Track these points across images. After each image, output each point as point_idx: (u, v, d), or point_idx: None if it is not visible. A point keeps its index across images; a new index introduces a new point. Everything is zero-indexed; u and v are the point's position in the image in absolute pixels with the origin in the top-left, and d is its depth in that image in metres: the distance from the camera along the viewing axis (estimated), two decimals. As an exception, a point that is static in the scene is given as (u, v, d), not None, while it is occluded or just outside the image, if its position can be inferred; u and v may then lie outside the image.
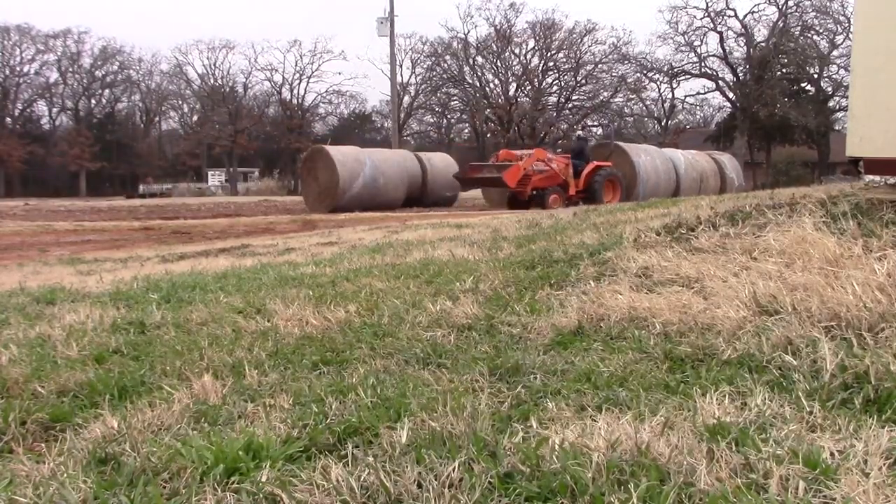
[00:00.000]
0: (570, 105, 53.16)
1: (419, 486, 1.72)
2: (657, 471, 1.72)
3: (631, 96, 52.55)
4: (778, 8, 45.14)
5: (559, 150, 23.06)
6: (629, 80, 50.71)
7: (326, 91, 65.02)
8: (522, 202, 19.31)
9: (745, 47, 46.01)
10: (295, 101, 58.77)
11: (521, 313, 3.49)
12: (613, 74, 51.35)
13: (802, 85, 46.96)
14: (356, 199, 23.06)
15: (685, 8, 46.23)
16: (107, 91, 62.33)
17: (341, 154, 23.82)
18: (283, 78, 59.10)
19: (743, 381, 2.35)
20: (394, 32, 40.21)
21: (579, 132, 23.65)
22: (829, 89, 46.14)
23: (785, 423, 1.99)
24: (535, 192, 19.37)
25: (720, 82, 47.45)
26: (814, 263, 3.51)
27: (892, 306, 2.84)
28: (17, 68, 58.29)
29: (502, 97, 52.02)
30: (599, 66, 51.64)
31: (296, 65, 63.25)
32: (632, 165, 22.14)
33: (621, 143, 24.00)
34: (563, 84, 53.03)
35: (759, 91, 43.67)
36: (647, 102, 54.41)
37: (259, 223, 15.94)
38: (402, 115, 53.55)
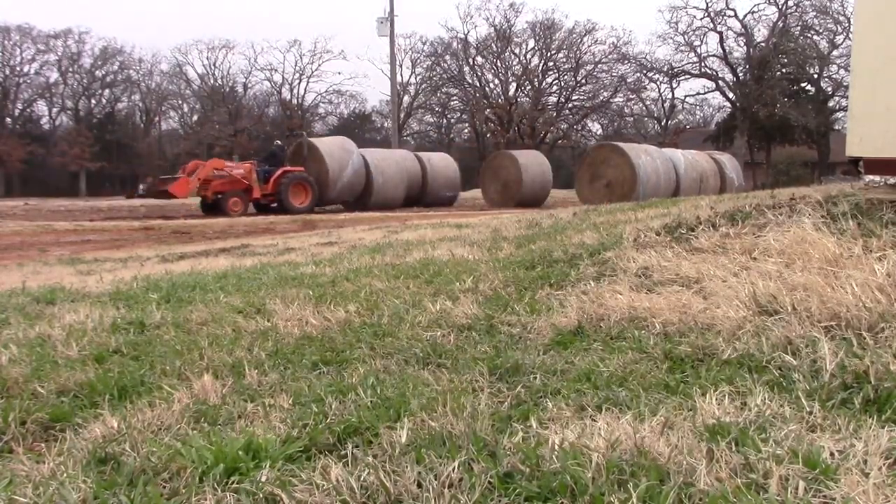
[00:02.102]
0: (570, 105, 53.15)
1: (419, 485, 1.72)
2: (657, 471, 1.72)
3: (631, 96, 52.57)
4: (778, 8, 45.15)
5: (258, 157, 24.48)
6: (629, 80, 50.74)
7: (326, 91, 65.10)
8: (210, 206, 20.92)
9: (745, 47, 46.02)
10: (295, 101, 58.77)
11: (521, 313, 3.49)
12: (613, 74, 51.37)
13: (802, 85, 46.94)
14: (347, 188, 23.45)
15: (685, 8, 46.27)
16: (107, 91, 62.29)
17: (326, 145, 23.91)
18: (283, 78, 59.15)
19: (743, 381, 2.35)
20: (394, 32, 40.22)
21: (277, 141, 25.70)
22: (829, 89, 46.13)
23: (785, 423, 1.99)
24: (218, 196, 20.80)
25: (720, 82, 47.45)
26: (814, 263, 3.51)
27: (892, 306, 2.84)
28: (17, 68, 58.28)
29: (502, 97, 52.00)
30: (599, 66, 51.66)
31: (296, 65, 63.26)
32: (632, 167, 22.13)
33: (621, 144, 23.95)
34: (563, 84, 53.04)
35: (759, 91, 43.67)
36: (647, 102, 54.45)
37: (259, 223, 15.94)
38: (402, 115, 53.54)
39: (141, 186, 28.22)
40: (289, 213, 20.84)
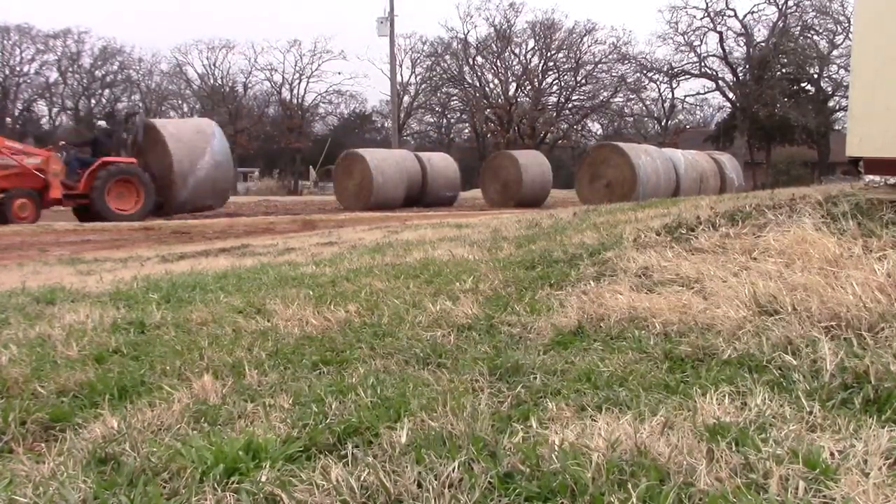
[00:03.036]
0: (570, 105, 53.17)
1: (419, 486, 1.72)
2: (657, 471, 1.72)
3: (631, 96, 52.58)
4: (778, 8, 45.18)
5: (62, 142, 17.70)
6: (629, 80, 50.75)
7: (326, 91, 64.89)
8: None
9: (745, 47, 46.05)
10: (295, 100, 58.76)
11: (521, 313, 3.49)
12: (613, 74, 51.38)
13: (802, 85, 46.98)
14: (204, 187, 17.41)
15: (685, 8, 46.31)
16: (107, 91, 62.31)
17: (174, 127, 18.24)
18: (283, 78, 59.10)
19: (743, 381, 2.35)
20: (394, 32, 40.25)
21: (101, 122, 19.01)
22: (829, 89, 46.15)
23: (785, 423, 1.99)
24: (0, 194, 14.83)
25: (720, 82, 47.48)
26: (814, 263, 3.51)
27: (892, 306, 2.84)
28: (17, 68, 58.24)
29: (502, 97, 52.01)
30: (599, 66, 51.67)
31: (296, 65, 63.08)
32: (632, 167, 22.13)
33: (620, 144, 23.94)
34: (563, 84, 53.05)
35: (759, 91, 43.69)
36: (647, 102, 54.45)
37: (259, 223, 15.94)
38: (402, 115, 53.54)
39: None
40: (106, 220, 15.35)
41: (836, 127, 45.16)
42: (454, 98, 56.07)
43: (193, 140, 17.49)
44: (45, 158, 15.65)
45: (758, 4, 58.54)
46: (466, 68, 53.31)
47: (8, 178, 14.90)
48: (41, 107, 61.47)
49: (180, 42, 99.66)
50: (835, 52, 44.86)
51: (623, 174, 21.86)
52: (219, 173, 17.84)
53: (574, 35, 51.48)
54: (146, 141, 17.45)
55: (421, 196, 26.18)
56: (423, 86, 57.15)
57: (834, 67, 45.22)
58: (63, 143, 17.74)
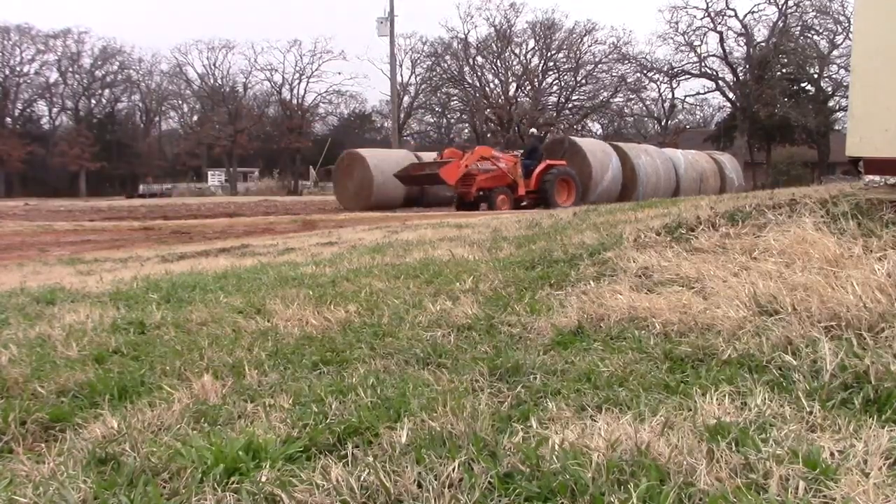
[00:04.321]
0: (570, 105, 53.18)
1: (419, 486, 1.72)
2: (657, 471, 1.72)
3: (631, 96, 52.59)
4: (778, 8, 45.19)
5: (506, 149, 22.31)
6: (629, 80, 50.77)
7: (326, 91, 65.17)
8: (469, 204, 18.87)
9: (745, 47, 46.07)
10: (295, 101, 58.81)
11: (521, 313, 3.49)
12: (613, 74, 51.43)
13: (802, 85, 46.99)
14: (604, 193, 21.55)
15: (685, 8, 46.36)
16: (107, 91, 62.38)
17: (590, 145, 22.67)
18: (283, 78, 59.27)
19: (743, 381, 2.35)
20: (394, 32, 40.24)
21: (533, 130, 23.78)
22: (829, 89, 46.16)
23: (785, 423, 1.99)
24: (481, 193, 18.86)
25: (720, 82, 47.49)
26: (814, 263, 3.51)
27: (892, 306, 2.84)
28: (17, 68, 58.34)
29: (502, 97, 52.01)
30: (599, 66, 51.72)
31: (296, 65, 63.39)
32: (632, 167, 22.11)
33: (621, 144, 23.92)
34: (563, 84, 53.09)
35: (759, 91, 43.69)
36: (647, 102, 54.51)
37: (259, 223, 15.94)
38: (402, 115, 53.56)
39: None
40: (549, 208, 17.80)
41: (836, 127, 45.19)
42: (454, 98, 56.12)
43: (602, 158, 22.24)
44: (511, 164, 19.70)
45: (758, 4, 58.89)
46: (466, 68, 53.36)
47: (488, 179, 19.12)
48: (41, 107, 61.56)
49: (180, 42, 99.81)
50: (835, 52, 44.92)
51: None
52: (613, 185, 22.60)
53: (574, 35, 51.57)
54: (570, 153, 21.87)
55: (421, 196, 26.16)
56: (423, 86, 57.22)
57: (834, 67, 45.28)
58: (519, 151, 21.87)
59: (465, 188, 19.13)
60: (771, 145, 48.51)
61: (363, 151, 25.99)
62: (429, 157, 28.01)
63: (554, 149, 22.23)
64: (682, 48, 47.34)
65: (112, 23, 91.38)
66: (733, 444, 1.84)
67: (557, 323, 3.23)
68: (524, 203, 19.62)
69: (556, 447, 1.86)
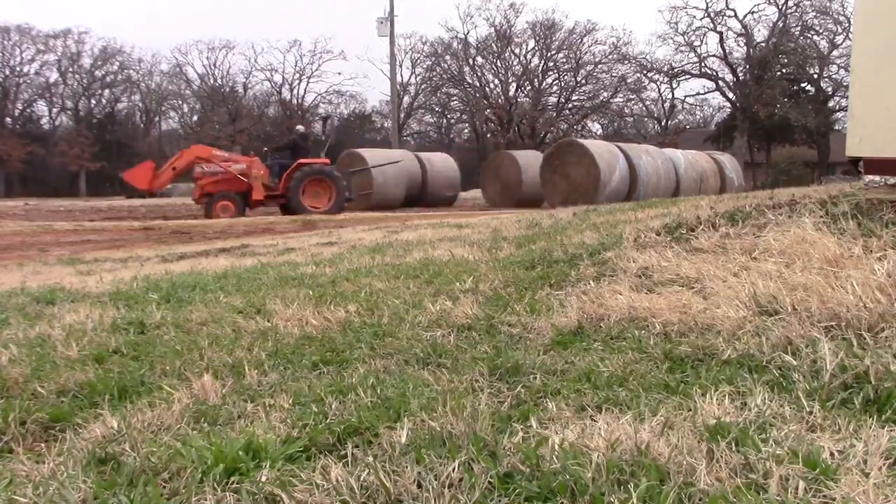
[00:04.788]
0: (570, 105, 53.15)
1: (419, 486, 1.72)
2: (657, 471, 1.72)
3: (631, 96, 52.58)
4: (778, 8, 45.15)
5: (265, 149, 19.83)
6: (629, 80, 50.74)
7: (326, 91, 65.08)
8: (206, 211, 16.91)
9: (745, 47, 46.01)
10: (295, 101, 58.78)
11: (521, 313, 3.49)
12: (613, 74, 51.36)
13: (802, 85, 46.95)
14: (613, 194, 20.45)
15: (685, 8, 46.29)
16: (107, 91, 62.32)
17: (597, 147, 21.88)
18: (283, 78, 59.17)
19: (743, 381, 2.35)
20: (394, 32, 40.22)
21: (299, 127, 20.68)
22: (829, 89, 46.13)
23: (785, 423, 1.99)
24: (208, 197, 16.99)
25: (720, 82, 47.45)
26: (814, 263, 3.51)
27: (892, 306, 2.84)
28: (17, 68, 58.29)
29: (502, 97, 51.99)
30: (599, 66, 51.65)
31: (296, 65, 63.30)
32: (633, 168, 22.10)
33: (621, 145, 23.90)
34: (563, 84, 53.03)
35: (759, 91, 43.67)
36: (647, 102, 54.47)
37: (259, 223, 15.93)
38: (402, 115, 53.56)
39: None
40: (296, 214, 16.95)
41: (836, 127, 45.16)
42: (454, 98, 56.07)
43: (609, 159, 21.69)
44: (247, 166, 17.59)
45: (758, 4, 58.88)
46: (466, 68, 53.30)
47: (213, 183, 17.03)
48: (41, 107, 61.53)
49: (180, 42, 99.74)
50: (835, 52, 44.86)
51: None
52: (622, 185, 21.82)
53: (574, 35, 51.51)
54: (572, 154, 21.04)
55: (421, 196, 26.18)
56: (423, 86, 57.19)
57: (834, 67, 45.22)
58: (266, 148, 19.62)
59: (193, 194, 17.55)
60: (771, 145, 48.50)
61: (363, 151, 26.00)
62: (429, 157, 28.07)
63: (561, 151, 22.15)
64: (682, 48, 47.33)
65: (112, 23, 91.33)
66: (733, 444, 1.84)
67: (557, 323, 3.23)
68: (265, 206, 18.00)
69: (556, 447, 1.86)
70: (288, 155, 18.36)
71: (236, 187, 17.28)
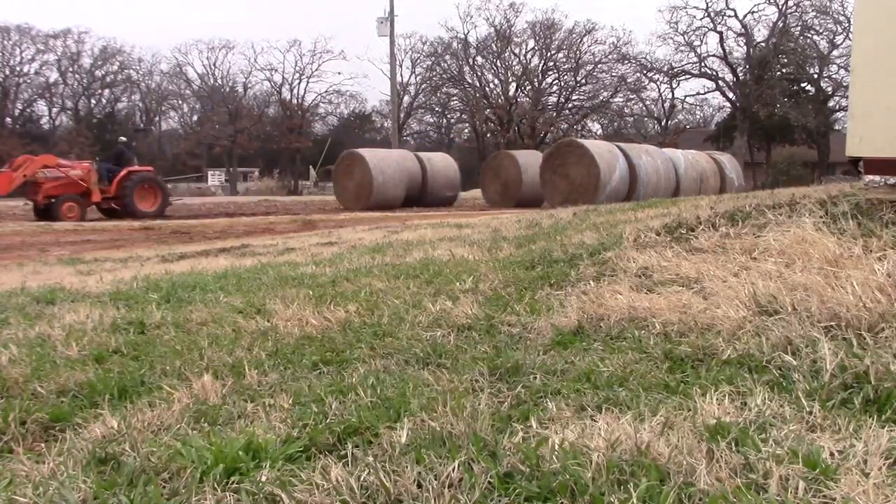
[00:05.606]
0: (570, 105, 53.15)
1: (419, 486, 1.72)
2: (657, 471, 1.72)
3: (631, 96, 52.57)
4: (778, 8, 45.13)
5: (96, 157, 22.45)
6: (629, 80, 50.73)
7: (326, 91, 65.15)
8: (44, 212, 18.77)
9: (745, 47, 46.00)
10: (295, 101, 58.77)
11: (521, 313, 3.49)
12: (613, 74, 51.36)
13: (802, 85, 46.92)
14: (612, 194, 20.22)
15: (685, 8, 46.26)
16: (107, 91, 62.29)
17: (597, 147, 21.81)
18: (283, 78, 59.12)
19: (743, 381, 2.35)
20: (394, 32, 40.23)
21: (122, 137, 23.60)
22: (829, 89, 46.09)
23: (785, 423, 1.99)
24: (52, 200, 18.69)
25: (720, 82, 47.44)
26: (814, 263, 3.51)
27: (892, 306, 2.84)
28: (17, 68, 58.22)
29: (502, 97, 51.99)
30: (599, 66, 51.64)
31: (296, 65, 63.32)
32: (633, 167, 22.08)
33: (621, 145, 23.89)
34: (563, 84, 53.02)
35: (759, 91, 43.66)
36: (647, 102, 54.45)
37: (259, 223, 15.94)
38: (401, 115, 53.55)
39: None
40: (135, 217, 18.63)
41: (836, 127, 45.14)
42: (454, 98, 56.09)
43: (609, 159, 21.54)
44: (85, 170, 19.27)
45: (758, 4, 58.84)
46: (466, 68, 53.31)
47: (57, 187, 18.78)
48: (41, 107, 61.49)
49: (180, 42, 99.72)
50: (835, 52, 44.83)
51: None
52: (622, 185, 21.52)
53: (574, 35, 51.49)
54: (572, 154, 21.24)
55: (421, 196, 26.17)
56: (423, 86, 57.19)
57: (834, 67, 45.18)
58: (97, 158, 21.63)
59: (34, 196, 19.11)
60: (771, 145, 48.48)
61: (363, 151, 26.00)
62: (429, 157, 28.07)
63: (561, 151, 22.13)
64: (682, 48, 47.31)
65: (112, 23, 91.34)
66: (733, 444, 1.84)
67: (557, 323, 3.23)
68: (107, 209, 19.87)
69: (556, 447, 1.86)
70: (113, 161, 20.37)
71: (77, 190, 19.13)
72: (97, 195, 19.27)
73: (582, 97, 53.04)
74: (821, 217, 4.34)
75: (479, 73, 53.47)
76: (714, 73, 47.44)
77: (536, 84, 52.10)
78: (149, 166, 21.50)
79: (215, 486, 1.77)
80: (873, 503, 1.57)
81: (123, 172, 19.66)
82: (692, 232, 4.76)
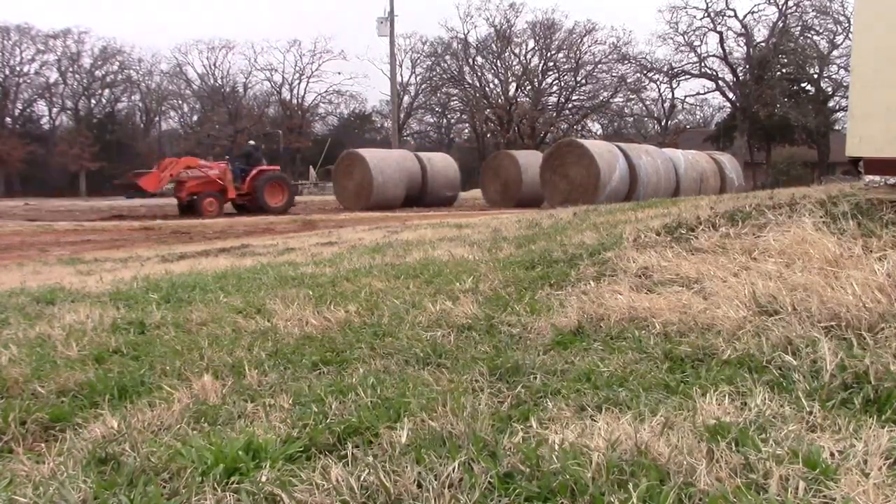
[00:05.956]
0: (570, 105, 53.16)
1: (419, 486, 1.72)
2: (657, 471, 1.72)
3: (631, 96, 52.57)
4: (778, 8, 45.12)
5: (227, 157, 24.27)
6: (629, 80, 50.73)
7: (326, 91, 65.05)
8: (187, 207, 20.76)
9: (744, 47, 45.99)
10: (295, 101, 58.78)
11: (521, 313, 3.49)
12: (613, 74, 51.36)
13: (802, 85, 46.90)
14: (612, 194, 20.36)
15: (685, 8, 46.23)
16: (107, 91, 62.27)
17: (596, 147, 21.97)
18: (283, 78, 59.17)
19: (743, 381, 2.35)
20: (394, 32, 40.23)
21: (251, 141, 26.07)
22: (829, 89, 46.08)
23: (785, 423, 1.99)
24: (194, 197, 20.60)
25: (720, 82, 47.43)
26: (814, 263, 3.51)
27: (892, 306, 2.84)
28: (17, 68, 58.23)
29: (502, 97, 51.99)
30: (599, 66, 51.65)
31: (296, 65, 63.36)
32: (633, 167, 22.08)
33: (621, 145, 23.87)
34: (563, 84, 53.02)
35: (759, 91, 43.65)
36: (647, 102, 54.46)
37: (259, 223, 15.94)
38: (402, 115, 53.56)
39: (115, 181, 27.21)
40: (266, 212, 20.68)
41: (836, 127, 45.12)
42: (454, 98, 56.10)
43: (609, 159, 21.62)
44: (221, 170, 21.21)
45: (758, 4, 58.83)
46: (466, 68, 53.31)
47: (198, 185, 20.71)
48: (41, 107, 61.47)
49: (180, 42, 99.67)
50: (835, 52, 44.81)
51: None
52: (622, 185, 21.60)
53: (574, 35, 51.50)
54: (572, 154, 21.43)
55: (421, 196, 26.18)
56: (423, 86, 57.21)
57: (834, 67, 45.16)
58: (228, 157, 23.55)
59: (179, 194, 20.89)
60: (771, 145, 48.47)
61: (363, 151, 26.00)
62: (429, 157, 28.07)
63: (561, 151, 22.16)
64: (682, 48, 47.29)
65: (112, 23, 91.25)
66: (733, 444, 1.84)
67: (557, 323, 3.23)
68: (240, 204, 21.75)
69: (556, 447, 1.86)
70: (244, 162, 22.21)
71: (215, 188, 21.01)
72: (232, 192, 21.23)
73: (582, 97, 53.07)
74: (821, 217, 4.34)
75: (479, 74, 53.50)
76: (714, 73, 47.44)
77: (536, 84, 52.11)
78: (276, 166, 23.28)
79: (215, 486, 1.77)
80: (873, 503, 1.57)
81: (254, 171, 21.66)
82: (692, 232, 4.76)
